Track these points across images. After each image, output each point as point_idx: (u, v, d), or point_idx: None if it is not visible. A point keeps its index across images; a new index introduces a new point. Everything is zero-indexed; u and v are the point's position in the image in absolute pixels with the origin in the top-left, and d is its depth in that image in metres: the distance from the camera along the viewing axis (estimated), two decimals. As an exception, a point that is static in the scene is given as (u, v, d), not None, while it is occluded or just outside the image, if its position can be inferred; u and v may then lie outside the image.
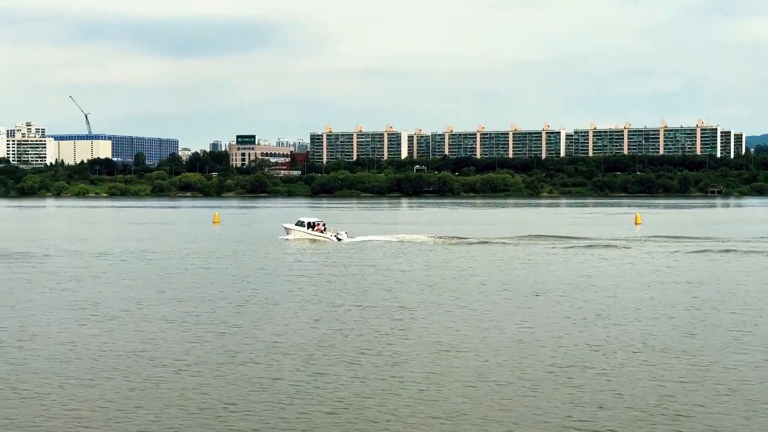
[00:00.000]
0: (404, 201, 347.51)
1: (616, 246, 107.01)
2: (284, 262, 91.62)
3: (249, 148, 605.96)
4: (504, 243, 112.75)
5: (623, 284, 70.83)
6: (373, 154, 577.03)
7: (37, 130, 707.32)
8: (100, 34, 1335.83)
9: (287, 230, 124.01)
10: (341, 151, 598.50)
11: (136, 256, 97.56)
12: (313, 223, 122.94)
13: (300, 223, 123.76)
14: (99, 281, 73.48)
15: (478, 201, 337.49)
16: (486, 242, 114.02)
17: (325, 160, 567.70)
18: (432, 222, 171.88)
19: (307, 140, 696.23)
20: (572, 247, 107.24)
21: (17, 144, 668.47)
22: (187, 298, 63.35)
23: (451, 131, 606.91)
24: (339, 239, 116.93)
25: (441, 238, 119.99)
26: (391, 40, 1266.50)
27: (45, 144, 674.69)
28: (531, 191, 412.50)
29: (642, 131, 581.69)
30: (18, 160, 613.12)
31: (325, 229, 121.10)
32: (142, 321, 53.38)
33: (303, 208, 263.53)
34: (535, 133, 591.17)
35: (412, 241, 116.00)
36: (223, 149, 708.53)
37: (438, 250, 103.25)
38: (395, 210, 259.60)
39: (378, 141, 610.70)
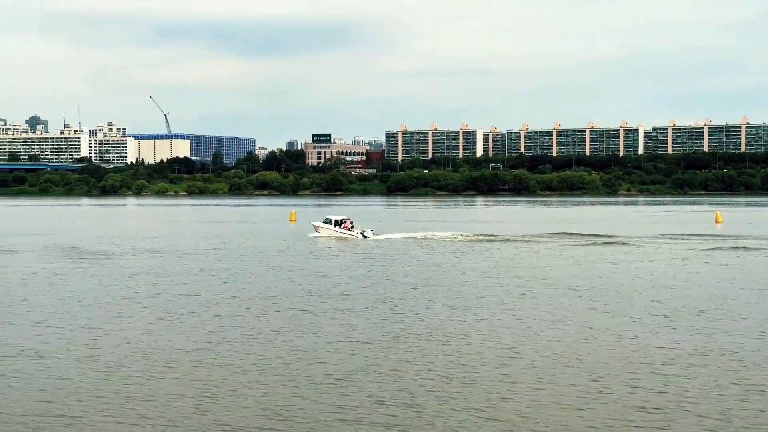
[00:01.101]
0: (479, 199, 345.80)
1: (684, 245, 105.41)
2: (353, 260, 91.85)
3: (325, 147, 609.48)
4: (546, 242, 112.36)
5: (693, 283, 69.66)
6: (448, 153, 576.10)
7: (119, 129, 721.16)
8: (180, 35, 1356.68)
9: (316, 228, 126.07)
10: (416, 150, 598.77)
11: (210, 254, 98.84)
12: (341, 220, 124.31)
13: (328, 221, 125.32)
14: (170, 279, 74.59)
15: (554, 199, 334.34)
16: (528, 241, 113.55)
17: (400, 159, 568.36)
18: (508, 220, 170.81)
19: (382, 139, 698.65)
20: (610, 244, 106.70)
21: (99, 144, 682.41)
22: (257, 295, 63.98)
23: (527, 129, 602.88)
24: (365, 237, 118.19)
25: (464, 235, 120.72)
26: (466, 39, 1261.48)
27: (126, 144, 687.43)
28: (608, 189, 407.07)
29: (723, 128, 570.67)
30: (100, 160, 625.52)
31: (352, 226, 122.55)
32: (210, 319, 54.06)
33: (377, 207, 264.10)
34: (612, 130, 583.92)
35: (433, 238, 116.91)
36: (299, 148, 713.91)
37: (464, 247, 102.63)
38: (469, 208, 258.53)
39: (453, 139, 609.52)
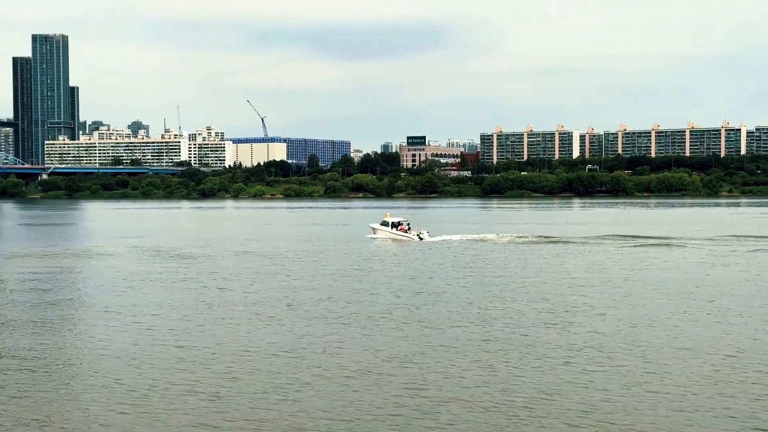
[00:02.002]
0: (576, 201, 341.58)
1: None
2: (438, 262, 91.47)
3: (419, 149, 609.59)
4: (601, 244, 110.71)
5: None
6: (543, 154, 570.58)
7: (217, 134, 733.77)
8: (277, 39, 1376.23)
9: (373, 230, 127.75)
10: (511, 151, 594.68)
11: (304, 256, 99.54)
12: (397, 222, 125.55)
13: (385, 223, 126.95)
14: (259, 281, 75.31)
15: (652, 201, 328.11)
16: (584, 243, 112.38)
17: (495, 161, 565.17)
18: (611, 222, 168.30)
19: (477, 141, 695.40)
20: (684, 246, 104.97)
21: (198, 148, 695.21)
22: (343, 297, 64.11)
23: (625, 130, 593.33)
24: (421, 238, 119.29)
25: (518, 236, 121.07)
26: (562, 39, 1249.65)
27: (224, 147, 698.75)
28: (709, 190, 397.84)
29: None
30: (199, 163, 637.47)
31: (409, 228, 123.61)
32: (299, 321, 54.35)
33: (472, 209, 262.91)
34: (713, 130, 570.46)
35: (486, 240, 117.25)
36: (393, 150, 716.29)
37: (532, 249, 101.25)
38: (565, 210, 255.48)
39: (549, 140, 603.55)
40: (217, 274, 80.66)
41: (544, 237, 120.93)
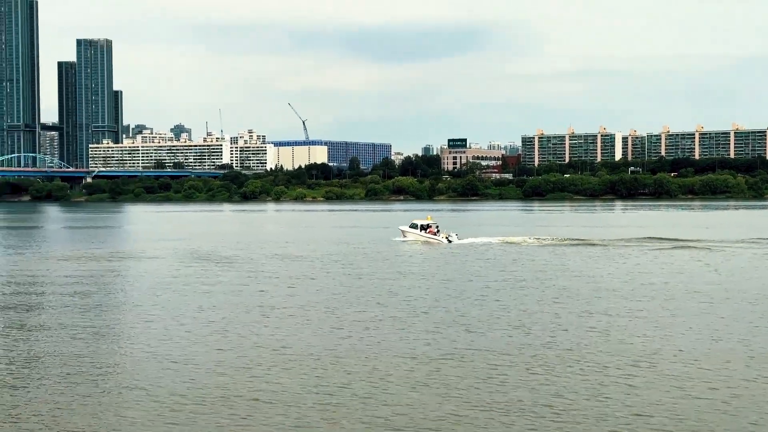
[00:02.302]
0: (618, 203, 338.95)
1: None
2: (468, 266, 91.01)
3: (460, 152, 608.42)
4: (630, 246, 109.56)
5: None
6: (585, 156, 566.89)
7: (259, 137, 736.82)
8: (318, 42, 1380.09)
9: (403, 232, 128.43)
10: (553, 154, 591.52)
11: (341, 258, 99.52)
12: (426, 225, 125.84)
13: (414, 226, 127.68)
14: (297, 284, 75.35)
15: (696, 203, 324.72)
16: (610, 245, 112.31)
17: (536, 163, 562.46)
18: (649, 225, 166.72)
19: (518, 143, 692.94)
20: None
21: (240, 151, 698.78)
22: (379, 300, 63.92)
23: (668, 131, 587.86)
24: (449, 241, 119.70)
25: (546, 239, 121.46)
26: (604, 41, 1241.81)
27: (266, 150, 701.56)
28: (754, 193, 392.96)
29: None
30: (241, 166, 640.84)
31: (438, 231, 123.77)
32: (342, 323, 54.23)
33: (513, 211, 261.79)
34: (758, 132, 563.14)
35: (515, 243, 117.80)
36: (434, 153, 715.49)
37: (558, 252, 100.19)
38: (607, 212, 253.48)
39: (591, 143, 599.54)
40: (257, 277, 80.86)
41: (575, 239, 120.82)
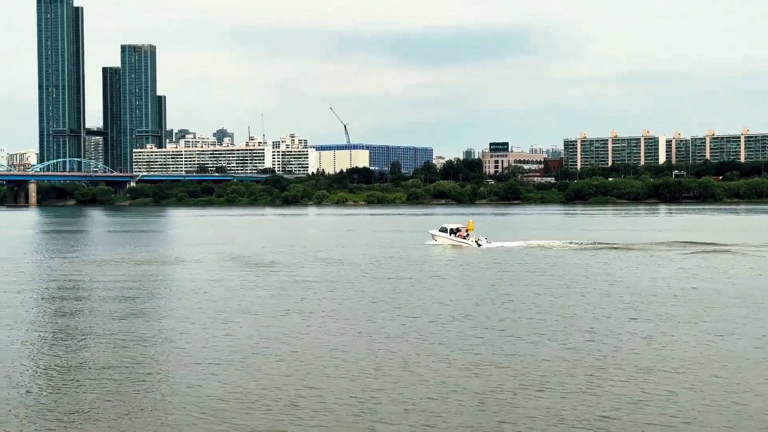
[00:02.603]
0: (662, 207, 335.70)
1: None
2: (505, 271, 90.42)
3: (502, 156, 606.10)
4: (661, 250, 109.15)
5: None
6: (628, 160, 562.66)
7: (300, 141, 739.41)
8: (359, 47, 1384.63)
9: (433, 236, 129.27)
10: (596, 157, 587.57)
11: (380, 263, 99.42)
12: (456, 229, 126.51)
13: (443, 230, 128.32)
14: (337, 288, 75.32)
15: (741, 207, 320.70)
16: (643, 249, 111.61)
17: (579, 167, 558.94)
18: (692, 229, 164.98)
19: (560, 146, 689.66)
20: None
21: (282, 155, 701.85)
22: (418, 304, 63.68)
23: (713, 134, 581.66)
24: (479, 245, 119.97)
25: (573, 243, 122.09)
26: (647, 42, 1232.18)
27: (307, 154, 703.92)
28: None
29: None
30: (282, 170, 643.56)
31: (468, 235, 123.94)
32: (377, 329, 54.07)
33: (555, 215, 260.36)
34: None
35: (543, 246, 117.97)
36: (476, 157, 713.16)
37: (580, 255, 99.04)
38: (651, 216, 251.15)
39: (634, 146, 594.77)
40: (298, 281, 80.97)
41: (608, 243, 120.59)
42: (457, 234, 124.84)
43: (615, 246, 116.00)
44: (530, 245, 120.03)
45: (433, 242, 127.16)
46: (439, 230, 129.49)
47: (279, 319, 57.93)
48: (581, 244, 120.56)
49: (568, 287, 73.30)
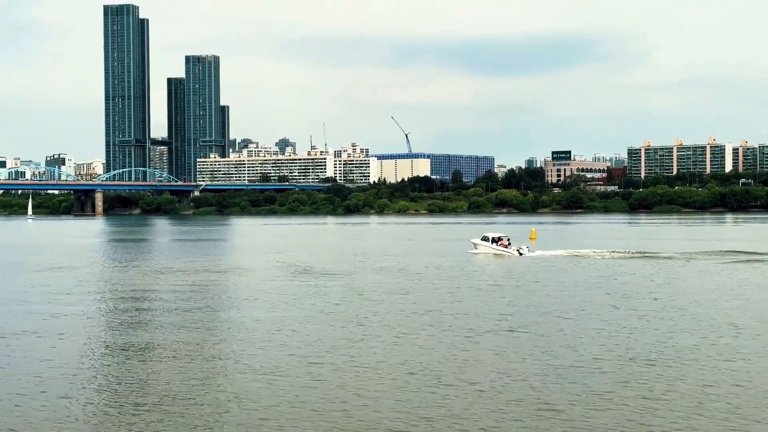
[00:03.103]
0: (728, 216, 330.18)
1: None
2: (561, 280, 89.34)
3: (564, 164, 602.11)
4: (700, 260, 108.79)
5: None
6: (694, 168, 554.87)
7: (362, 150, 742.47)
8: (421, 55, 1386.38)
9: (474, 245, 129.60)
10: (660, 166, 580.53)
11: (439, 272, 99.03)
12: (497, 238, 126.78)
13: (485, 239, 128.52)
14: (395, 297, 75.06)
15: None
16: (678, 258, 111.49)
17: (643, 175, 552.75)
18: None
19: (624, 155, 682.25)
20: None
21: (344, 164, 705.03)
22: (477, 313, 63.18)
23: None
24: (521, 254, 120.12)
25: (613, 252, 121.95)
26: (713, 50, 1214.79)
27: (369, 163, 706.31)
28: None
29: None
30: (344, 179, 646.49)
31: (509, 244, 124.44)
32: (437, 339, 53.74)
33: (617, 224, 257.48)
34: None
35: (584, 256, 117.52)
36: (538, 165, 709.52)
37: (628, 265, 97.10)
38: (716, 225, 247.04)
39: (700, 154, 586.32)
40: (358, 290, 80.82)
41: (654, 253, 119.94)
42: (499, 243, 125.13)
43: (666, 256, 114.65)
44: (573, 254, 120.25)
45: (475, 251, 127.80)
46: (481, 239, 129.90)
47: (337, 328, 57.85)
48: (627, 253, 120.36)
49: (623, 297, 72.16)
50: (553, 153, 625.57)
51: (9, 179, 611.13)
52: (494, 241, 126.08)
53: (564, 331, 55.02)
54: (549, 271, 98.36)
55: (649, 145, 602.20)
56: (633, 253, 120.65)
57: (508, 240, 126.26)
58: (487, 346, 50.46)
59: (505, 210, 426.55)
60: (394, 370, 44.16)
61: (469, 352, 48.97)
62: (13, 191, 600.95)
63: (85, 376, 43.79)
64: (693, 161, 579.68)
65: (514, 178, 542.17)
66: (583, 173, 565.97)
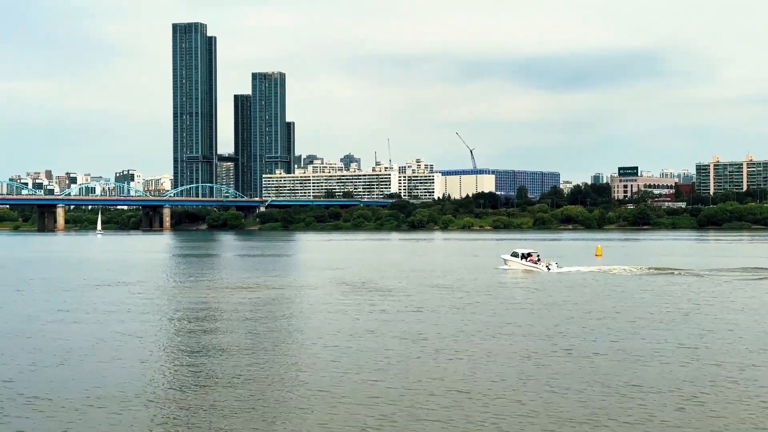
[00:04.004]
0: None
1: None
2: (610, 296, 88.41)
3: (631, 180, 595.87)
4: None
5: None
6: (764, 184, 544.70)
7: (426, 166, 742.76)
8: (485, 71, 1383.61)
9: (505, 261, 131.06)
10: (729, 182, 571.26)
11: (499, 289, 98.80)
12: (527, 254, 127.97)
13: (515, 254, 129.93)
14: (453, 314, 75.05)
15: None
16: (700, 275, 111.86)
17: (711, 191, 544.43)
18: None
19: (692, 171, 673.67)
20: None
21: (408, 180, 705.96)
22: (528, 331, 62.93)
23: None
24: (549, 269, 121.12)
25: (640, 268, 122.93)
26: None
27: (433, 179, 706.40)
28: None
29: None
30: (408, 195, 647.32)
31: (539, 260, 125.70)
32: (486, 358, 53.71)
33: (685, 241, 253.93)
34: None
35: (611, 272, 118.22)
36: (604, 181, 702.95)
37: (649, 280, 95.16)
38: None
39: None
40: (417, 305, 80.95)
41: (669, 269, 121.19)
42: (528, 259, 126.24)
43: (720, 273, 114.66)
44: (603, 270, 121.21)
45: (505, 267, 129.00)
46: (511, 255, 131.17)
47: (397, 342, 58.14)
48: (666, 270, 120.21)
49: (668, 315, 71.32)
50: (619, 169, 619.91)
51: (79, 195, 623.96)
52: (524, 257, 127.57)
53: (611, 348, 54.71)
54: (580, 287, 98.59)
55: (718, 161, 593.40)
56: (660, 269, 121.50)
57: (538, 256, 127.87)
58: (543, 365, 50.28)
59: (570, 226, 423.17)
60: (447, 389, 44.26)
61: (520, 366, 48.86)
62: (84, 207, 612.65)
63: (152, 385, 44.64)
64: (764, 177, 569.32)
65: (579, 194, 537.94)
66: (650, 189, 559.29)
